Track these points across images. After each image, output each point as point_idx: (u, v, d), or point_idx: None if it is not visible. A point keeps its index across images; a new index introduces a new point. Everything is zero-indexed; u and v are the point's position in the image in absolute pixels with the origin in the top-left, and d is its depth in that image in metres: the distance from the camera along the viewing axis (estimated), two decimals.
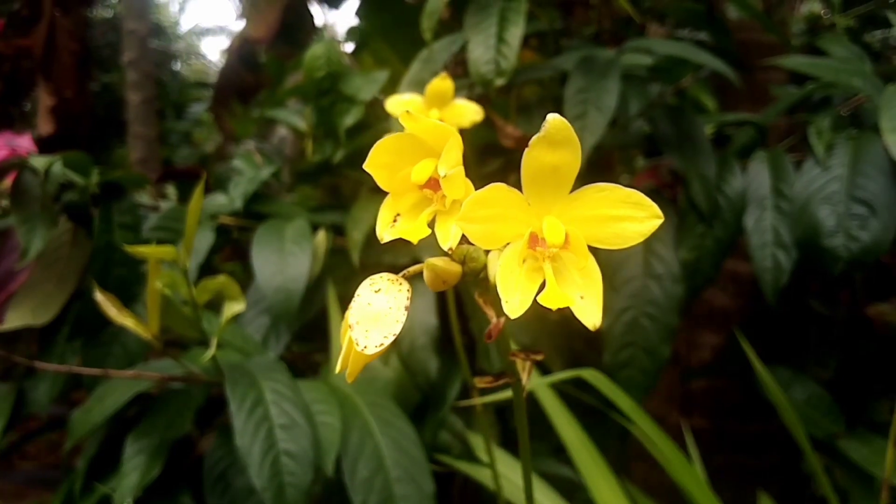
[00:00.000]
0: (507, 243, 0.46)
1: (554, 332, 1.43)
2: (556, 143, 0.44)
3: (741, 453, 1.72)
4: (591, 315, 0.45)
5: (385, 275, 0.47)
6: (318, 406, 1.10)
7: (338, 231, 1.41)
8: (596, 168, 1.59)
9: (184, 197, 1.56)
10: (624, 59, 1.33)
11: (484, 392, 1.08)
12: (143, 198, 1.39)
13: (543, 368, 1.33)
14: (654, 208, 0.44)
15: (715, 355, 1.75)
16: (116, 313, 1.05)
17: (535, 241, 0.46)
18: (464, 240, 0.47)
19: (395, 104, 0.96)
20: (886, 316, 1.63)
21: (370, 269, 1.43)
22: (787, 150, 1.41)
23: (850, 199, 1.24)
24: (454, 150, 0.45)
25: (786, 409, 1.08)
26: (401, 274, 0.48)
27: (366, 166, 0.47)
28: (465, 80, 1.37)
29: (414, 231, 0.46)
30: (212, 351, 1.02)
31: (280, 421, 1.02)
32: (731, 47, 1.54)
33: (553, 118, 0.44)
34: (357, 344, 0.44)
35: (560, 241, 0.45)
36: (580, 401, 1.21)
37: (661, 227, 0.47)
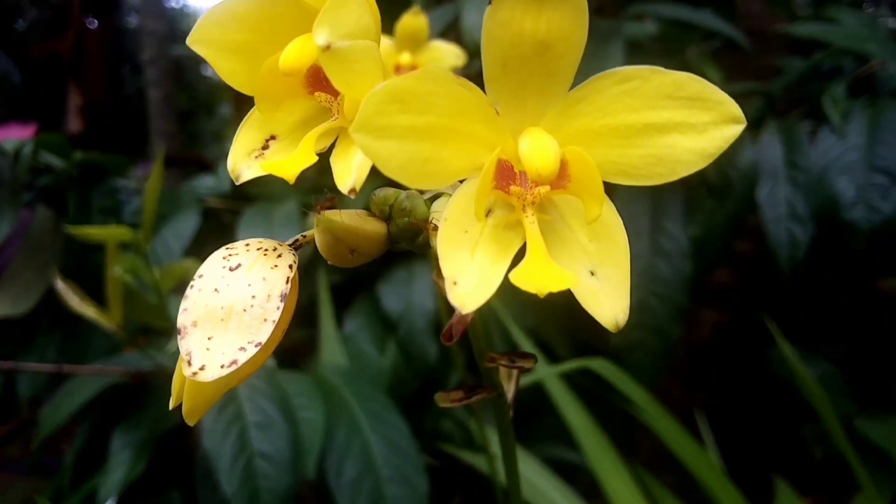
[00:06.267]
0: (461, 181, 0.23)
1: (559, 313, 1.21)
2: None
3: (742, 423, 1.52)
4: (609, 303, 0.21)
5: (253, 242, 0.24)
6: (300, 400, 0.87)
7: None
8: None
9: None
10: (627, 29, 1.10)
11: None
12: (132, 183, 1.15)
13: (548, 352, 1.11)
14: (728, 104, 0.21)
15: (715, 332, 1.53)
16: (78, 302, 0.83)
17: (507, 174, 0.22)
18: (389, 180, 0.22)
19: None
20: None
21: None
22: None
23: (869, 169, 1.04)
24: (350, 3, 0.20)
25: (809, 385, 0.88)
26: (290, 241, 0.24)
27: (190, 42, 0.23)
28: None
29: (291, 161, 0.22)
30: (175, 341, 0.79)
31: (255, 419, 0.80)
32: (735, 19, 1.30)
33: None
34: (188, 361, 0.21)
35: (549, 169, 0.21)
36: (583, 381, 1.01)
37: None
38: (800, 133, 1.13)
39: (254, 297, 0.22)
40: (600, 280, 0.22)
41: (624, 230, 0.22)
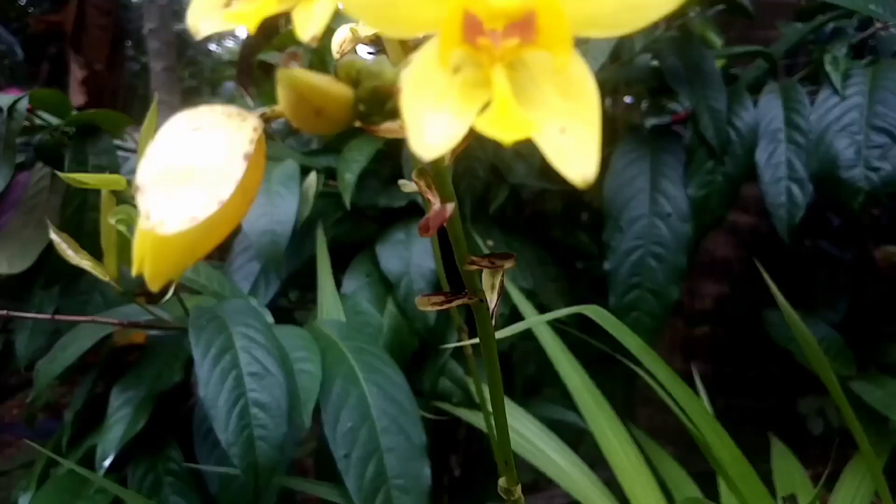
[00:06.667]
0: (428, 36, 0.22)
1: (557, 274, 1.20)
2: None
3: (741, 397, 1.55)
4: (579, 159, 0.20)
5: (218, 107, 0.23)
6: (297, 353, 0.87)
7: (332, 175, 1.17)
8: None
9: None
10: None
11: (473, 334, 0.84)
12: (130, 143, 1.15)
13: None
14: None
15: (716, 304, 1.55)
16: (73, 255, 0.82)
17: (474, 28, 0.22)
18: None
19: None
20: (894, 257, 1.40)
21: (363, 215, 1.21)
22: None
23: (869, 129, 1.03)
24: None
25: (809, 344, 0.87)
26: (258, 112, 0.24)
27: None
28: None
29: (253, 11, 0.21)
30: (170, 293, 0.79)
31: (250, 369, 0.80)
32: None
33: None
34: (147, 216, 0.20)
35: (512, 6, 0.20)
36: (586, 346, 1.00)
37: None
38: (800, 94, 1.12)
39: (216, 155, 0.21)
40: (570, 136, 0.21)
41: (595, 86, 0.22)
